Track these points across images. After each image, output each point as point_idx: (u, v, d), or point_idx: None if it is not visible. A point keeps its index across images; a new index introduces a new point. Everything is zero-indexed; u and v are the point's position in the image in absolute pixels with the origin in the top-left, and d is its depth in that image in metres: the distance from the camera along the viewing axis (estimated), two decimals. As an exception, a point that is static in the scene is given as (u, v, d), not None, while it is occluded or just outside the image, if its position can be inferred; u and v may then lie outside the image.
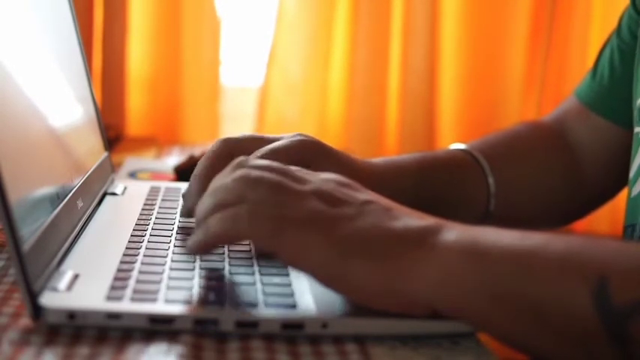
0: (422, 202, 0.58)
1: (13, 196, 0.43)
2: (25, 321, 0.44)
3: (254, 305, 0.46)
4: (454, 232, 0.45)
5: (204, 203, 0.48)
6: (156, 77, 1.48)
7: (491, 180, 0.70)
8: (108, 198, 0.69)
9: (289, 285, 0.49)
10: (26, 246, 0.43)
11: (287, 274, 0.51)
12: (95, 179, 0.67)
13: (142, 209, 0.65)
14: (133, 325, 0.44)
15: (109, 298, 0.45)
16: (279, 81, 1.52)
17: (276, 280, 0.50)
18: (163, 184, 0.75)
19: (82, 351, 0.42)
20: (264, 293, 0.48)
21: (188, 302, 0.46)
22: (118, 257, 0.51)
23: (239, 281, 0.50)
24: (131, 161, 0.99)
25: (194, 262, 0.52)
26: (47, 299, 0.44)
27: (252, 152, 0.57)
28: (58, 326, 0.44)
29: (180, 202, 0.64)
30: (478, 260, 0.44)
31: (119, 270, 0.49)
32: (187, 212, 0.59)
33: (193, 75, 1.48)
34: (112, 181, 0.75)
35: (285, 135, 0.60)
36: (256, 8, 1.59)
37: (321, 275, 0.45)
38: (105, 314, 0.43)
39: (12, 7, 0.53)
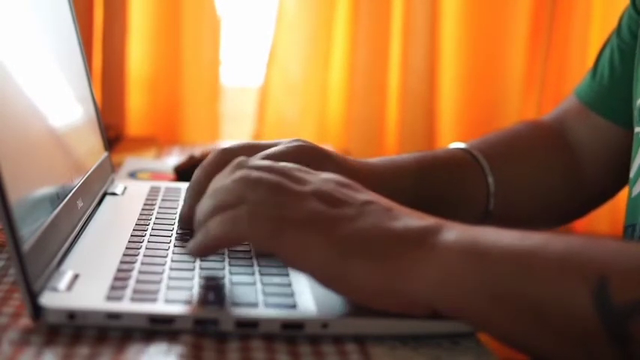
0: (421, 202, 0.58)
1: (13, 196, 0.43)
2: (25, 321, 0.44)
3: (254, 305, 0.46)
4: (454, 232, 0.45)
5: (204, 205, 0.48)
6: (156, 77, 1.48)
7: (490, 179, 0.70)
8: (108, 198, 0.69)
9: (289, 285, 0.49)
10: (26, 246, 0.43)
11: (287, 274, 0.51)
12: (95, 179, 0.67)
13: (142, 209, 0.65)
14: (133, 325, 0.44)
15: (109, 298, 0.45)
16: (279, 81, 1.52)
17: (276, 280, 0.50)
18: (163, 184, 0.75)
19: (82, 351, 0.42)
20: (264, 293, 0.48)
21: (188, 302, 0.46)
22: (118, 257, 0.51)
23: (239, 281, 0.49)
24: (131, 161, 0.99)
25: (194, 262, 0.52)
26: (47, 299, 0.44)
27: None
28: (58, 326, 0.44)
29: (181, 203, 0.64)
30: (478, 260, 0.44)
31: (119, 270, 0.49)
32: (184, 221, 0.59)
33: (193, 75, 1.48)
34: (112, 181, 0.75)
35: (282, 140, 0.60)
36: (256, 8, 1.59)
37: (321, 276, 0.45)
38: (105, 314, 0.43)
39: (12, 7, 0.53)
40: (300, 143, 0.59)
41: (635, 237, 0.63)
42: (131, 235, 0.57)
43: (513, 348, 0.44)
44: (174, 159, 1.10)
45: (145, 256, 0.52)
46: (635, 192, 0.64)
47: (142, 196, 0.69)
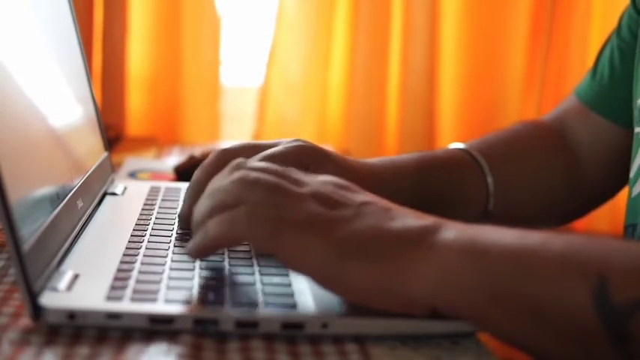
0: (421, 202, 0.58)
1: (13, 196, 0.43)
2: (25, 321, 0.44)
3: (254, 305, 0.46)
4: (453, 231, 0.45)
5: (202, 205, 0.48)
6: (156, 77, 1.48)
7: (490, 179, 0.70)
8: (108, 198, 0.69)
9: (289, 285, 0.49)
10: (26, 246, 0.43)
11: (287, 274, 0.51)
12: (95, 179, 0.67)
13: (142, 209, 0.65)
14: (132, 325, 0.44)
15: (109, 298, 0.45)
16: (279, 81, 1.52)
17: (276, 280, 0.50)
18: (163, 184, 0.75)
19: (82, 351, 0.42)
20: (264, 293, 0.48)
21: (188, 302, 0.46)
22: (118, 257, 0.52)
23: (239, 281, 0.50)
24: (131, 161, 0.99)
25: (194, 262, 0.52)
26: (47, 299, 0.44)
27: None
28: (58, 326, 0.44)
29: (181, 203, 0.64)
30: (477, 259, 0.44)
31: (119, 270, 0.49)
32: (184, 221, 0.59)
33: (193, 75, 1.48)
34: (112, 181, 0.75)
35: (282, 140, 0.60)
36: (256, 8, 1.59)
37: (320, 277, 0.45)
38: (105, 314, 0.44)
39: (12, 7, 0.53)
40: (300, 143, 0.59)
41: (635, 237, 0.63)
42: (131, 235, 0.57)
43: (513, 347, 0.44)
44: (174, 159, 1.10)
45: (144, 256, 0.52)
46: (635, 192, 0.64)
47: (141, 196, 0.69)
